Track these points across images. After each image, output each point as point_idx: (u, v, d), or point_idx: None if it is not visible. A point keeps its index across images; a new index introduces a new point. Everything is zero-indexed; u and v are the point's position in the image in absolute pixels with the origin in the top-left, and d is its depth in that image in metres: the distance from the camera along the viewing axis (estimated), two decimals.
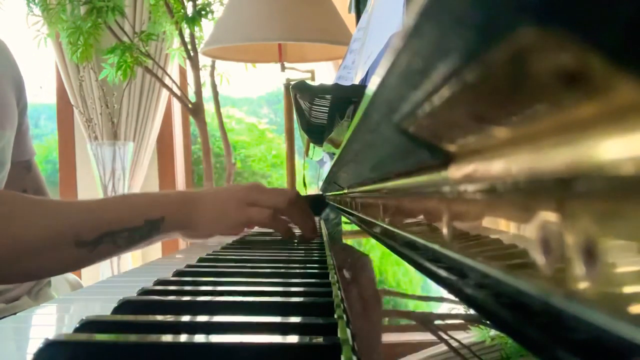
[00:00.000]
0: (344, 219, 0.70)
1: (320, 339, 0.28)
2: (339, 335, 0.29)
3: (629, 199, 0.08)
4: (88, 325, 0.30)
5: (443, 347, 0.20)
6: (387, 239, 0.34)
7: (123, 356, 0.27)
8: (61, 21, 2.24)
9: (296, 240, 0.83)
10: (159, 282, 0.44)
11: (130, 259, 2.39)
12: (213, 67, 2.32)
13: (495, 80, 0.12)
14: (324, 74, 2.59)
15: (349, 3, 1.67)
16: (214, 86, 2.30)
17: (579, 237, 0.10)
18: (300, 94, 0.75)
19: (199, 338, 0.28)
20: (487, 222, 0.16)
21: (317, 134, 0.82)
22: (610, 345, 0.09)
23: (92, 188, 2.52)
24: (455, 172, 0.17)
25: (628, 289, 0.09)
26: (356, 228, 0.53)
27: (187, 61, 2.26)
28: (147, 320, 0.32)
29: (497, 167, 0.14)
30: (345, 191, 0.63)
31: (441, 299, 0.21)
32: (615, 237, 0.09)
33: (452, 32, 0.12)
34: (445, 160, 0.18)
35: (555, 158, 0.10)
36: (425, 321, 0.24)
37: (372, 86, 0.21)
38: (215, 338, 0.28)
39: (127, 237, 0.74)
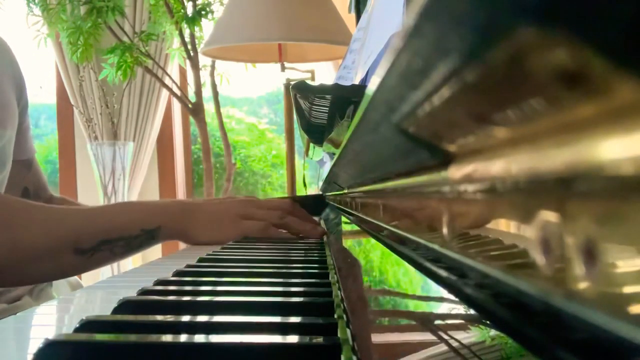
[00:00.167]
0: (344, 219, 0.70)
1: (320, 339, 0.28)
2: (339, 335, 0.29)
3: (629, 199, 0.08)
4: (88, 325, 0.30)
5: (443, 347, 0.20)
6: (387, 239, 0.34)
7: (123, 356, 0.27)
8: (61, 21, 2.24)
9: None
10: (159, 282, 0.44)
11: (130, 259, 2.39)
12: (213, 67, 2.32)
13: (495, 80, 0.12)
14: (324, 74, 2.59)
15: (349, 3, 1.67)
16: (214, 86, 2.30)
17: (579, 237, 0.10)
18: (300, 94, 0.75)
19: (199, 338, 0.28)
20: (487, 222, 0.16)
21: (317, 134, 0.82)
22: (610, 345, 0.09)
23: (92, 188, 2.52)
24: (455, 172, 0.17)
25: (628, 289, 0.09)
26: (356, 228, 0.53)
27: (187, 61, 2.26)
28: (147, 320, 0.32)
29: (497, 167, 0.14)
30: (345, 191, 0.63)
31: (441, 299, 0.21)
32: (615, 237, 0.09)
33: (452, 32, 0.12)
34: (445, 160, 0.18)
35: (555, 158, 0.10)
36: (425, 321, 0.24)
37: (372, 86, 0.21)
38: (215, 338, 0.28)
39: (124, 245, 0.75)
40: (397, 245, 0.30)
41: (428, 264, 0.22)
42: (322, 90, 0.74)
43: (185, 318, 0.32)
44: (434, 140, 0.19)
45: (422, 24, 0.13)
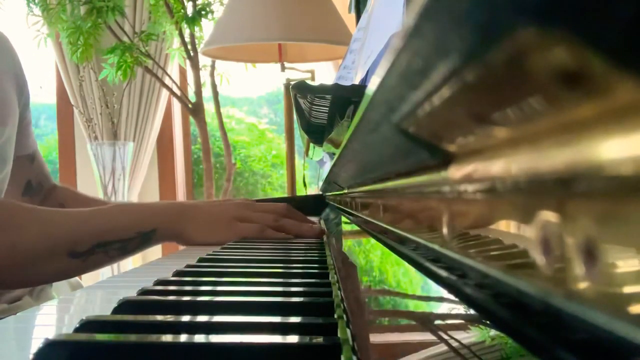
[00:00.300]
0: (344, 219, 0.70)
1: (320, 339, 0.28)
2: (339, 335, 0.29)
3: (629, 199, 0.08)
4: (88, 325, 0.30)
5: (443, 347, 0.20)
6: (387, 239, 0.34)
7: (123, 356, 0.27)
8: (61, 21, 2.24)
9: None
10: (159, 282, 0.44)
11: (131, 259, 2.39)
12: (213, 67, 2.32)
13: (495, 80, 0.12)
14: (324, 74, 2.59)
15: (349, 3, 1.67)
16: (214, 86, 2.30)
17: (579, 237, 0.10)
18: (300, 94, 0.75)
19: (199, 338, 0.28)
20: (487, 222, 0.16)
21: (317, 134, 0.82)
22: (610, 345, 0.09)
23: (92, 188, 2.52)
24: (455, 172, 0.17)
25: (628, 289, 0.09)
26: (356, 228, 0.53)
27: (187, 61, 2.27)
28: (147, 320, 0.32)
29: (496, 167, 0.14)
30: (345, 191, 0.63)
31: (441, 299, 0.21)
32: (615, 237, 0.09)
33: (452, 32, 0.12)
34: (445, 160, 0.18)
35: (554, 158, 0.10)
36: (425, 321, 0.24)
37: (372, 86, 0.21)
38: (215, 338, 0.28)
39: (119, 248, 0.75)
40: (397, 245, 0.30)
41: (428, 264, 0.22)
42: (322, 90, 0.74)
43: (185, 318, 0.32)
44: (434, 140, 0.19)
45: (422, 24, 0.13)
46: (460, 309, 0.18)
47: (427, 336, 0.23)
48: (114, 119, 2.57)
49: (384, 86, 0.19)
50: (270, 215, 0.84)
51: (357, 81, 0.82)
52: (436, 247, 0.20)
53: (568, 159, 0.10)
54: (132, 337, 0.28)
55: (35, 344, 0.27)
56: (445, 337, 0.20)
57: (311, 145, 0.98)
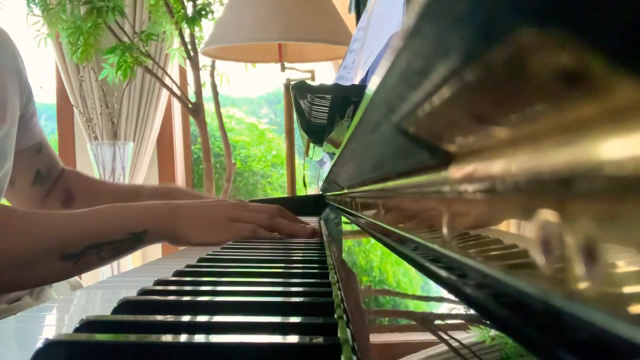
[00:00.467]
0: (344, 219, 0.70)
1: (320, 339, 0.28)
2: (339, 335, 0.29)
3: (629, 199, 0.08)
4: (88, 325, 0.30)
5: (443, 347, 0.20)
6: (387, 239, 0.34)
7: (123, 356, 0.27)
8: (61, 21, 2.24)
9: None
10: (159, 282, 0.44)
11: (130, 259, 2.39)
12: (213, 67, 2.32)
13: (494, 80, 0.12)
14: (324, 74, 2.59)
15: (349, 3, 1.67)
16: (214, 86, 2.30)
17: (579, 237, 0.10)
18: (300, 94, 0.75)
19: (199, 338, 0.28)
20: (487, 222, 0.16)
21: (317, 134, 0.82)
22: (610, 345, 0.09)
23: None
24: (455, 172, 0.17)
25: (628, 289, 0.09)
26: (356, 228, 0.53)
27: (187, 61, 2.26)
28: (147, 320, 0.32)
29: (497, 167, 0.14)
30: (345, 191, 0.63)
31: (441, 299, 0.21)
32: (615, 237, 0.09)
33: (452, 32, 0.12)
34: (445, 160, 0.18)
35: (554, 158, 0.10)
36: (425, 321, 0.24)
37: (372, 86, 0.21)
38: (216, 338, 0.28)
39: (111, 249, 0.75)
40: (397, 245, 0.30)
41: (428, 264, 0.22)
42: (322, 90, 0.74)
43: (185, 318, 0.32)
44: (434, 140, 0.19)
45: (422, 24, 0.13)
46: (460, 309, 0.18)
47: (427, 336, 0.23)
48: (114, 119, 2.57)
49: (384, 86, 0.19)
50: (263, 214, 0.84)
51: (357, 81, 0.82)
52: (436, 247, 0.20)
53: (568, 159, 0.10)
54: (132, 337, 0.28)
55: (35, 344, 0.27)
56: (445, 337, 0.20)
57: (311, 145, 0.98)
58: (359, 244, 0.53)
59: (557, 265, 0.11)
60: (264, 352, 0.27)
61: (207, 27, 2.17)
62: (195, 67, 2.24)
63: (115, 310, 0.35)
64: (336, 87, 0.72)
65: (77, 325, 0.30)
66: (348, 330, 0.30)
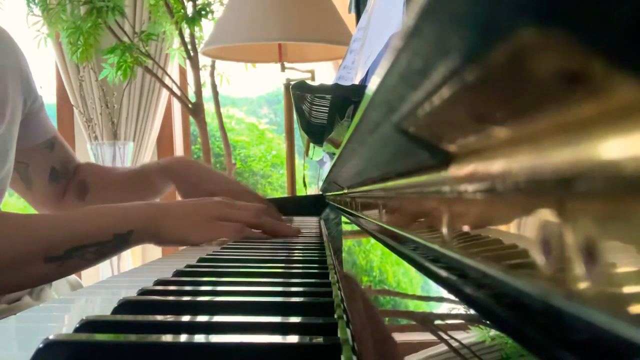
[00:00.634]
0: (344, 219, 0.70)
1: (320, 339, 0.28)
2: (339, 335, 0.29)
3: (628, 199, 0.08)
4: (88, 325, 0.30)
5: (443, 347, 0.20)
6: (387, 239, 0.34)
7: (123, 356, 0.27)
8: (61, 21, 2.24)
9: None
10: (159, 282, 0.44)
11: (130, 259, 2.39)
12: (213, 67, 2.32)
13: (494, 80, 0.12)
14: (324, 74, 2.59)
15: (349, 3, 1.67)
16: (214, 86, 2.30)
17: (579, 237, 0.10)
18: (300, 94, 0.75)
19: (199, 338, 0.28)
20: (487, 222, 0.16)
21: (317, 134, 0.82)
22: (610, 345, 0.09)
23: None
24: (455, 172, 0.17)
25: (628, 289, 0.09)
26: (356, 228, 0.53)
27: (187, 61, 2.26)
28: (147, 320, 0.32)
29: (496, 167, 0.14)
30: (345, 191, 0.63)
31: (441, 299, 0.21)
32: (615, 237, 0.09)
33: (452, 32, 0.12)
34: (445, 160, 0.18)
35: (554, 158, 0.10)
36: (425, 321, 0.24)
37: (372, 86, 0.21)
38: (215, 338, 0.28)
39: (95, 251, 0.74)
40: (397, 245, 0.30)
41: (428, 264, 0.22)
42: (322, 90, 0.74)
43: (185, 318, 0.32)
44: (434, 140, 0.19)
45: (422, 24, 0.13)
46: (460, 309, 0.18)
47: (427, 336, 0.23)
48: (114, 119, 2.57)
49: (384, 86, 0.19)
50: (249, 213, 0.84)
51: (357, 81, 0.82)
52: (436, 247, 0.20)
53: (567, 158, 0.10)
54: (132, 337, 0.28)
55: (36, 344, 0.27)
56: (445, 337, 0.20)
57: (311, 145, 0.98)
58: (359, 244, 0.53)
59: (557, 265, 0.11)
60: (264, 352, 0.27)
61: (207, 27, 2.17)
62: (195, 67, 2.24)
63: (115, 310, 0.35)
64: (336, 87, 0.72)
65: (77, 325, 0.30)
66: (348, 330, 0.30)
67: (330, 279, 0.46)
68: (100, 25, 2.19)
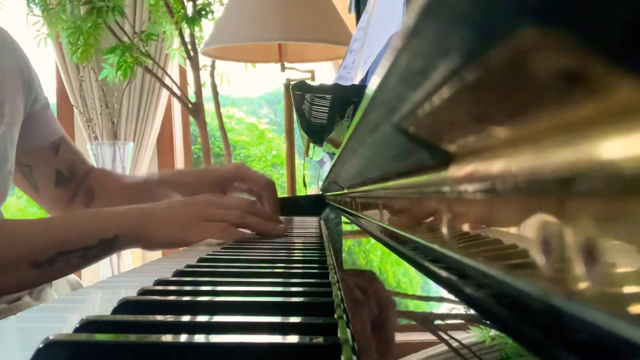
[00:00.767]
0: (344, 219, 0.70)
1: (320, 339, 0.28)
2: (339, 335, 0.29)
3: (628, 199, 0.08)
4: (88, 325, 0.30)
5: (443, 347, 0.20)
6: (387, 239, 0.34)
7: (123, 356, 0.27)
8: (61, 21, 2.24)
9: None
10: (159, 282, 0.44)
11: (130, 259, 2.39)
12: (213, 67, 2.32)
13: (494, 80, 0.12)
14: (324, 74, 2.59)
15: (349, 3, 1.67)
16: (214, 86, 2.30)
17: (579, 237, 0.10)
18: (300, 94, 0.75)
19: (199, 338, 0.28)
20: (487, 222, 0.16)
21: (317, 134, 0.82)
22: (610, 345, 0.09)
23: None
24: (455, 172, 0.17)
25: (628, 289, 0.09)
26: (356, 228, 0.53)
27: (187, 61, 2.26)
28: (147, 320, 0.32)
29: (497, 167, 0.14)
30: (345, 191, 0.63)
31: (441, 299, 0.21)
32: (615, 237, 0.09)
33: (452, 32, 0.12)
34: (445, 160, 0.18)
35: (554, 158, 0.10)
36: (425, 321, 0.24)
37: (372, 86, 0.21)
38: (216, 338, 0.28)
39: (81, 256, 0.74)
40: (397, 245, 0.30)
41: (428, 264, 0.22)
42: (322, 90, 0.74)
43: (185, 318, 0.32)
44: (434, 140, 0.19)
45: (422, 24, 0.13)
46: (460, 309, 0.18)
47: (427, 336, 0.23)
48: (114, 119, 2.57)
49: (384, 86, 0.19)
50: (234, 212, 0.83)
51: (357, 81, 0.82)
52: (436, 247, 0.20)
53: (567, 158, 0.10)
54: (132, 337, 0.28)
55: (36, 344, 0.27)
56: (445, 337, 0.20)
57: (311, 145, 0.98)
58: (359, 244, 0.53)
59: (557, 265, 0.11)
60: (264, 352, 0.27)
61: (207, 27, 2.17)
62: (195, 67, 2.24)
63: (115, 310, 0.35)
64: (336, 87, 0.72)
65: (77, 325, 0.30)
66: (348, 330, 0.30)
67: (330, 279, 0.46)
68: (100, 25, 2.19)
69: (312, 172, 1.98)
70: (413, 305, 0.27)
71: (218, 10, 2.18)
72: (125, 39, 2.26)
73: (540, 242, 0.11)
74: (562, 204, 0.11)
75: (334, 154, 0.65)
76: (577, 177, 0.10)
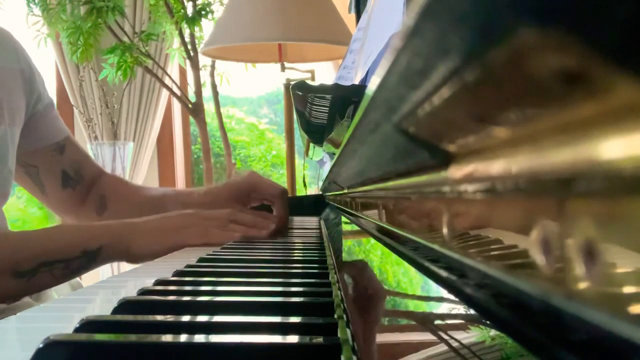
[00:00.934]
0: (344, 219, 0.70)
1: (320, 339, 0.28)
2: (339, 335, 0.29)
3: (628, 199, 0.08)
4: (88, 325, 0.30)
5: (443, 347, 0.20)
6: (387, 239, 0.34)
7: (123, 356, 0.27)
8: (61, 21, 2.24)
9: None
10: (159, 282, 0.44)
11: None
12: (213, 67, 2.32)
13: (494, 80, 0.12)
14: (324, 74, 2.59)
15: (349, 3, 1.67)
16: (214, 86, 2.30)
17: (579, 237, 0.10)
18: (300, 94, 0.75)
19: (199, 338, 0.28)
20: (487, 222, 0.16)
21: (317, 134, 0.82)
22: (610, 345, 0.09)
23: None
24: (455, 172, 0.17)
25: (628, 289, 0.09)
26: (356, 228, 0.53)
27: (187, 61, 2.26)
28: (147, 320, 0.32)
29: (497, 167, 0.14)
30: (345, 191, 0.63)
31: (441, 299, 0.21)
32: (615, 237, 0.09)
33: (452, 32, 0.12)
34: (445, 160, 0.18)
35: (554, 158, 0.10)
36: (425, 321, 0.24)
37: (372, 86, 0.21)
38: (216, 338, 0.28)
39: (64, 267, 0.74)
40: (397, 245, 0.30)
41: (428, 264, 0.22)
42: (322, 90, 0.74)
43: (185, 318, 0.32)
44: (434, 140, 0.19)
45: (422, 24, 0.13)
46: (460, 309, 0.18)
47: (427, 336, 0.23)
48: (114, 119, 2.57)
49: (384, 86, 0.19)
50: (215, 222, 0.84)
51: (357, 81, 0.82)
52: (436, 247, 0.20)
53: (567, 159, 0.10)
54: (132, 337, 0.28)
55: (36, 344, 0.27)
56: (445, 337, 0.20)
57: (311, 145, 0.98)
58: (359, 244, 0.53)
59: (557, 266, 0.11)
60: (264, 352, 0.27)
61: (207, 27, 2.17)
62: (195, 67, 2.24)
63: (115, 310, 0.35)
64: (336, 87, 0.72)
65: (77, 325, 0.30)
66: (348, 330, 0.30)
67: (330, 279, 0.46)
68: (100, 25, 2.19)
69: (312, 172, 1.99)
70: (413, 305, 0.27)
71: (218, 10, 2.18)
72: (125, 39, 2.26)
73: (540, 242, 0.11)
74: (562, 204, 0.11)
75: (334, 154, 0.65)
76: (577, 177, 0.10)
